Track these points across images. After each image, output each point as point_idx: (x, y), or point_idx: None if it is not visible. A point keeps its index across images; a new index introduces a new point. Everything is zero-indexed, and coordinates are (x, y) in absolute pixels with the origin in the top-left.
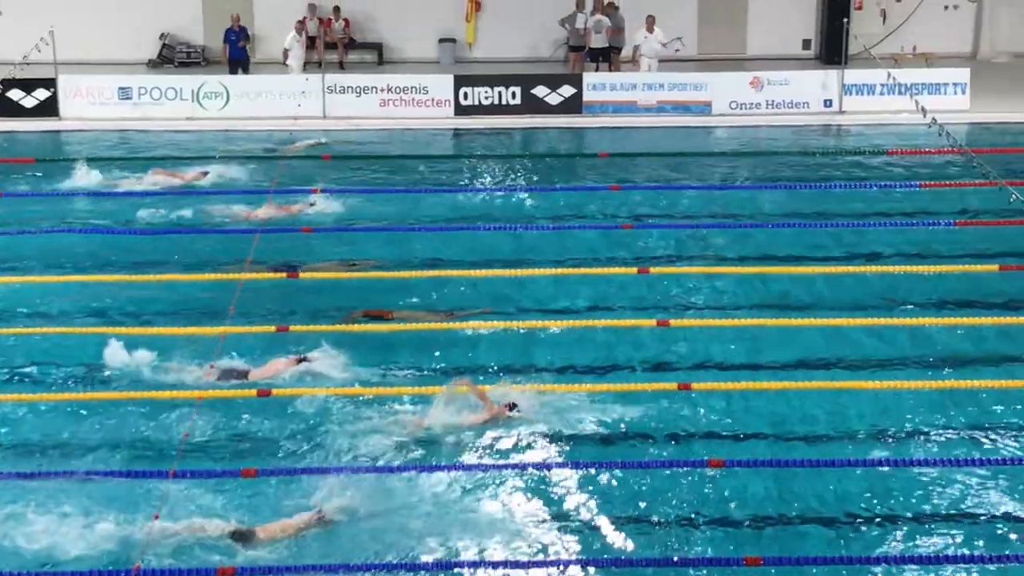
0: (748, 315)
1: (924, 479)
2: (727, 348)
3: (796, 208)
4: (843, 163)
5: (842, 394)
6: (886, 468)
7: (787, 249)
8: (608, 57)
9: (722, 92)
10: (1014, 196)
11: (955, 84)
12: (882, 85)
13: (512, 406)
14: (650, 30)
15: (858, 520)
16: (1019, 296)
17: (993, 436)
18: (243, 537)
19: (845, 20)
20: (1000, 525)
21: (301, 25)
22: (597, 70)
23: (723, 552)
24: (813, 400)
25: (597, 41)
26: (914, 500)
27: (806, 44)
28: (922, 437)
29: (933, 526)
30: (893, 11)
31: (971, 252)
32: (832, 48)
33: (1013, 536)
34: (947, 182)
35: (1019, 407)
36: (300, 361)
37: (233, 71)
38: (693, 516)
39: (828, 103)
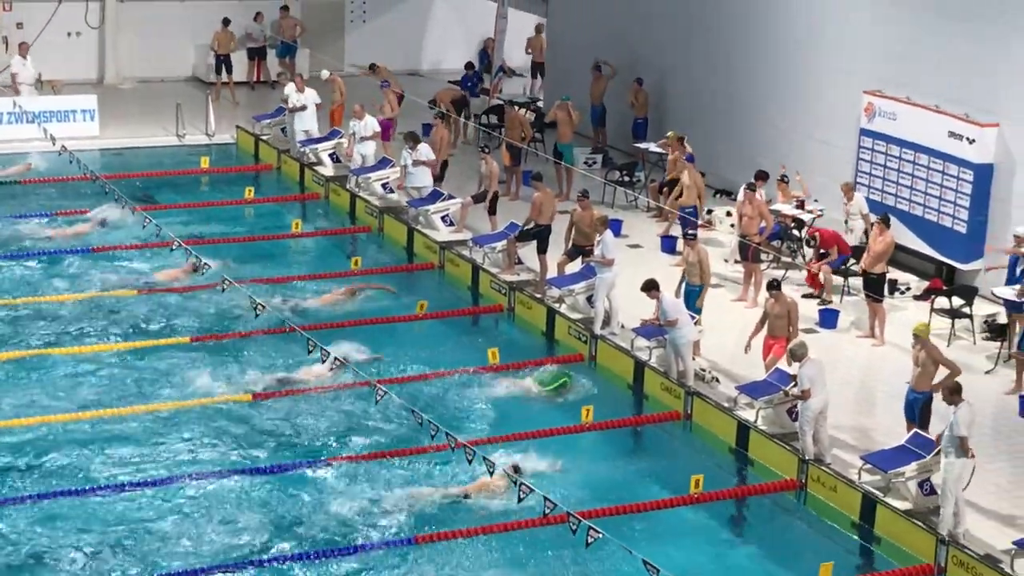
0: None
1: None
2: None
3: None
4: None
5: None
6: None
7: None
8: None
9: None
10: (147, 220)
11: (84, 111)
12: (9, 114)
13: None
14: (23, 56)
15: None
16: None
17: None
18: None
19: None
20: None
21: None
22: None
23: None
24: None
25: None
26: None
27: None
28: None
29: None
30: (16, 38)
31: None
32: None
33: None
34: (79, 210)
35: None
36: None
37: None
38: None
39: None
